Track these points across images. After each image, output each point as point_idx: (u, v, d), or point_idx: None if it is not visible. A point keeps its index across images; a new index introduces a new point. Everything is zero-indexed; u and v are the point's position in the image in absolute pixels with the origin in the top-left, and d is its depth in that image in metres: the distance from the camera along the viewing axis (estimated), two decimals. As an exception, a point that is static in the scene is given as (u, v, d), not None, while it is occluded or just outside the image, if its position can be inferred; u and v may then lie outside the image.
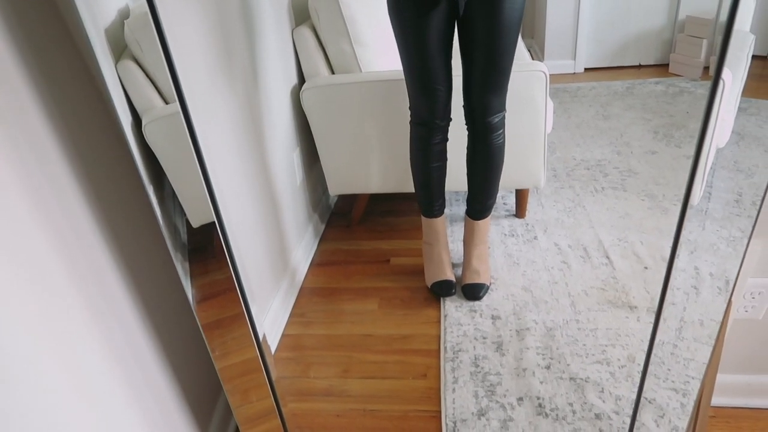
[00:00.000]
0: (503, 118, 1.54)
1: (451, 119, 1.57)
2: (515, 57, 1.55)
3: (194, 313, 1.18)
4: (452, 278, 1.71)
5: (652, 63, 3.69)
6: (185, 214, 1.31)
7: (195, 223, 1.29)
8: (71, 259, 0.85)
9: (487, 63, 1.42)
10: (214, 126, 1.31)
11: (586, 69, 3.72)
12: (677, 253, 1.02)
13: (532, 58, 2.19)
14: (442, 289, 1.69)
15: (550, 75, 1.74)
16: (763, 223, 1.15)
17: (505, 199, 2.23)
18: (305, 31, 1.87)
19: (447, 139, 1.61)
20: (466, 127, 1.58)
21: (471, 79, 1.47)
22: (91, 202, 0.93)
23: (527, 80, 1.75)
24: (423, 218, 1.75)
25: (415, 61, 1.44)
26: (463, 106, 1.54)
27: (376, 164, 1.97)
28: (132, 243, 1.06)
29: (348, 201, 2.37)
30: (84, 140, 0.94)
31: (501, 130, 1.55)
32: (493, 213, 2.07)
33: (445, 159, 1.63)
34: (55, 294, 0.80)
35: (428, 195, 1.67)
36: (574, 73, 3.68)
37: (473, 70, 1.45)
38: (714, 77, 1.02)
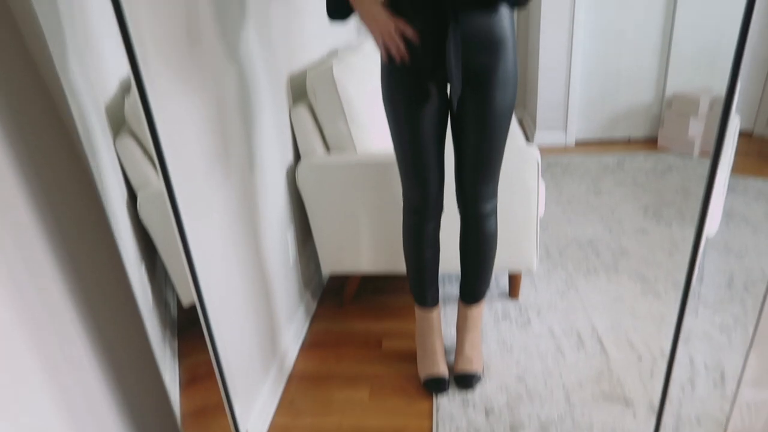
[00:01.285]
0: (495, 205, 1.55)
1: (443, 208, 1.57)
2: (509, 138, 1.57)
3: (171, 401, 1.14)
4: (445, 373, 1.67)
5: (641, 137, 3.77)
6: (176, 292, 1.29)
7: (186, 302, 1.26)
8: (42, 341, 0.82)
9: (479, 153, 1.43)
10: (207, 206, 1.30)
11: (577, 141, 3.79)
12: (674, 368, 1.01)
13: (524, 130, 2.22)
14: (435, 387, 1.65)
15: (542, 147, 1.77)
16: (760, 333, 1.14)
17: (498, 278, 2.22)
18: (302, 111, 1.90)
19: (440, 227, 1.61)
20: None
21: (463, 168, 1.48)
22: (68, 281, 0.91)
23: (520, 164, 1.77)
24: (416, 308, 1.73)
25: (408, 152, 1.46)
26: (456, 193, 1.55)
27: (369, 244, 1.97)
28: (109, 327, 1.03)
29: (341, 278, 2.35)
30: (65, 218, 0.92)
31: (493, 217, 1.56)
32: (486, 294, 2.06)
33: (438, 247, 1.63)
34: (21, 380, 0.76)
35: (421, 283, 1.65)
36: (565, 146, 3.74)
37: (465, 159, 1.47)
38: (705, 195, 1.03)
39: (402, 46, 1.27)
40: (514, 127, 2.17)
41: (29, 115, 0.84)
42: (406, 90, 1.37)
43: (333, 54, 2.42)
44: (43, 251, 0.84)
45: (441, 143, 1.47)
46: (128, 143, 1.10)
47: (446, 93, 1.41)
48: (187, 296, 1.22)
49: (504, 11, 1.31)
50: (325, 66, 1.87)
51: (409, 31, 1.26)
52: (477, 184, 1.48)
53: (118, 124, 1.09)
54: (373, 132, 1.95)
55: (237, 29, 1.48)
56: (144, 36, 1.06)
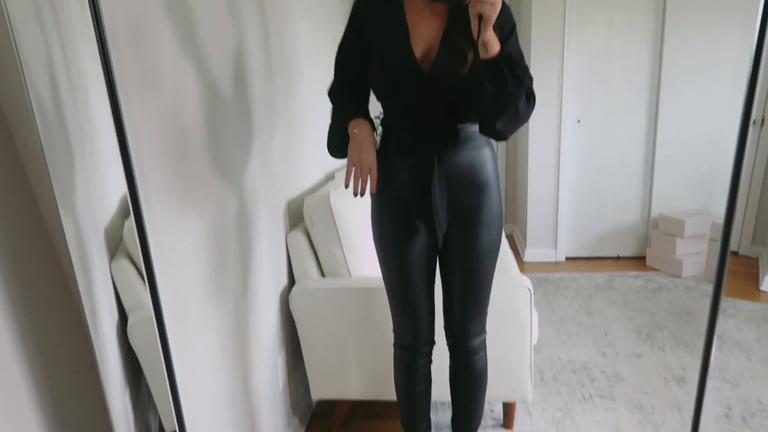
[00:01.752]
0: (483, 340, 1.55)
1: (434, 342, 1.57)
2: (500, 267, 1.59)
3: None
4: None
5: (629, 255, 3.84)
6: (159, 417, 1.25)
7: (168, 429, 1.22)
8: None
9: (466, 290, 1.44)
10: (197, 331, 1.30)
11: (567, 258, 3.85)
12: None
13: (515, 246, 2.26)
14: None
15: (532, 263, 1.79)
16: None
17: (492, 406, 2.17)
18: (299, 236, 1.94)
19: (431, 362, 1.59)
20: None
21: (451, 305, 1.49)
22: (45, 406, 0.88)
23: (512, 293, 1.79)
24: None
25: (397, 286, 1.47)
26: (444, 328, 1.55)
27: (361, 370, 1.94)
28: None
29: (331, 401, 2.29)
30: (48, 342, 0.91)
31: (482, 353, 1.55)
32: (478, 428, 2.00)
33: (430, 381, 1.61)
34: None
35: (413, 418, 1.62)
36: (556, 262, 3.80)
37: (452, 296, 1.48)
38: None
39: (365, 186, 1.28)
40: (506, 255, 2.21)
41: (19, 237, 0.86)
42: (395, 226, 1.41)
43: (330, 177, 2.51)
44: (21, 374, 0.83)
45: (430, 279, 1.49)
46: (124, 265, 1.11)
47: (434, 230, 1.42)
48: (171, 422, 1.19)
49: (487, 153, 1.37)
50: (322, 192, 1.94)
51: (375, 177, 1.29)
52: (465, 322, 1.49)
53: (115, 245, 1.11)
54: (367, 257, 1.99)
55: (240, 156, 1.55)
56: (144, 158, 1.10)
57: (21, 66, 0.80)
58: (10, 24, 0.78)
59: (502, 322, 1.78)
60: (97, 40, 0.82)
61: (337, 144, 1.39)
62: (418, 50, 1.25)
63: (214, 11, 1.40)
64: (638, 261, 3.76)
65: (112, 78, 0.84)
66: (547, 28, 3.50)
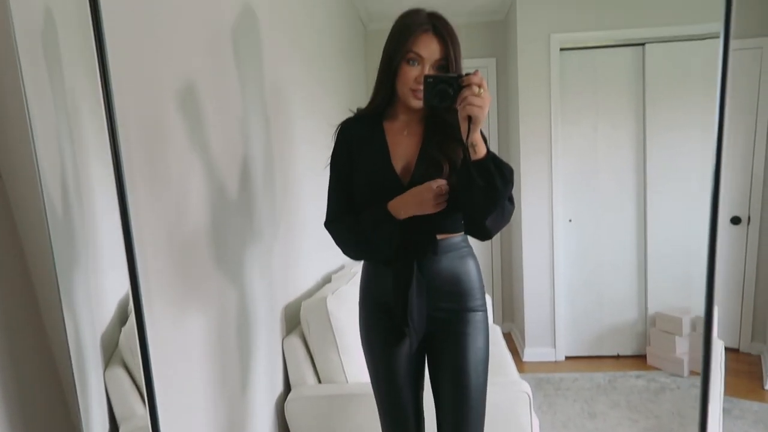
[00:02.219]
0: None
1: None
2: (498, 372, 1.56)
3: None
4: None
5: (629, 354, 3.79)
6: None
7: None
8: None
9: (457, 402, 1.39)
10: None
11: (566, 357, 3.79)
12: None
13: (514, 344, 2.23)
14: None
15: (532, 363, 1.77)
16: None
17: None
18: (295, 341, 1.93)
19: None
20: None
21: (442, 417, 1.44)
22: None
23: (510, 400, 1.76)
24: None
25: (384, 392, 1.46)
26: None
27: (358, 483, 1.86)
28: None
29: None
30: None
31: None
32: None
33: None
34: None
35: None
36: (555, 361, 3.74)
37: (443, 408, 1.42)
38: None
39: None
40: (504, 357, 2.19)
41: (20, 348, 0.87)
42: (381, 332, 1.43)
43: (326, 280, 2.53)
44: None
45: (418, 387, 1.49)
46: (118, 373, 1.10)
47: (421, 337, 1.41)
48: None
49: (470, 263, 1.40)
50: (319, 296, 1.95)
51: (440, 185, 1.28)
52: None
53: (109, 353, 1.11)
54: (364, 362, 1.97)
55: (241, 260, 1.58)
56: (147, 258, 1.12)
57: (38, 167, 0.85)
58: (31, 126, 0.84)
59: (501, 429, 1.74)
60: (109, 140, 0.87)
61: (384, 244, 1.34)
62: (398, 165, 1.34)
63: (224, 118, 1.49)
64: (639, 359, 3.70)
65: (122, 176, 0.88)
66: (534, 131, 3.67)
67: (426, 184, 1.28)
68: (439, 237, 1.36)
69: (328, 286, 2.18)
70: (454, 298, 1.38)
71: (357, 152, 1.39)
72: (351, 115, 1.46)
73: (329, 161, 1.44)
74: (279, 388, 1.88)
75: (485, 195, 1.21)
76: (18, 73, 0.82)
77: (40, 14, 0.89)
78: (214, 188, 1.43)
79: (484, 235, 1.31)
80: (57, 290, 0.93)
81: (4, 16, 0.80)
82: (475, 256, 1.44)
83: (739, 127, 3.56)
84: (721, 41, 0.77)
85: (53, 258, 0.92)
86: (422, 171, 1.31)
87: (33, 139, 0.87)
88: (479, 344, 1.39)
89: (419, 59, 1.27)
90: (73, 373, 0.97)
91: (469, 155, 1.21)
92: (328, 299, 1.90)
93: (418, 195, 1.29)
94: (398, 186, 1.32)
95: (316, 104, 2.52)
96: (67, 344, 0.97)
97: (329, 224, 1.44)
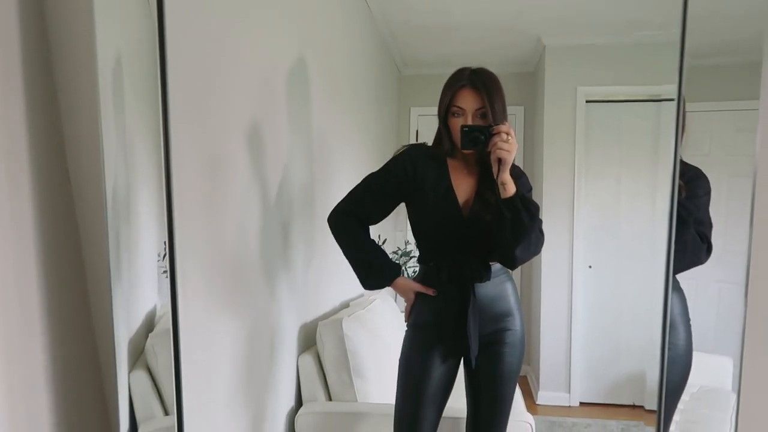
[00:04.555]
0: None
1: None
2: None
3: None
4: None
5: (650, 407, 3.75)
6: None
7: None
8: None
9: (491, 408, 1.61)
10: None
11: (581, 403, 3.78)
12: None
13: (529, 386, 2.29)
14: None
15: (545, 407, 1.86)
16: None
17: None
18: (309, 359, 2.04)
19: None
20: None
21: (476, 420, 1.62)
22: None
23: (513, 428, 1.82)
24: None
25: (410, 408, 1.59)
26: None
27: (361, 500, 1.94)
28: None
29: None
30: None
31: None
32: None
33: None
34: None
35: None
36: (570, 406, 3.73)
37: (479, 414, 1.63)
38: None
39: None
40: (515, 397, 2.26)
41: (69, 346, 1.00)
42: (426, 351, 1.59)
43: (344, 306, 2.65)
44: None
45: (441, 407, 1.63)
46: (141, 376, 1.18)
47: (459, 361, 1.63)
48: None
49: (509, 287, 1.61)
50: (335, 318, 2.07)
51: (429, 291, 1.58)
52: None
53: (135, 357, 1.18)
54: (375, 384, 2.07)
55: (275, 284, 1.73)
56: (188, 276, 1.26)
57: (104, 182, 1.01)
58: (103, 160, 1.00)
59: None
60: (163, 166, 1.02)
61: (375, 278, 1.64)
62: (460, 200, 1.54)
63: (274, 156, 1.69)
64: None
65: (171, 199, 1.03)
66: (558, 182, 3.77)
67: (410, 291, 1.61)
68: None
69: (345, 310, 2.30)
70: (497, 317, 1.57)
71: (421, 179, 1.56)
72: (416, 142, 1.68)
73: (384, 167, 1.63)
74: (291, 402, 1.99)
75: (512, 228, 1.42)
76: (97, 105, 0.99)
77: (114, 52, 1.07)
78: (258, 216, 1.61)
79: (512, 263, 1.52)
80: (109, 293, 1.06)
81: (91, 53, 0.98)
82: (513, 280, 1.64)
83: None
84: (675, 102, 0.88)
85: (108, 264, 1.06)
86: (478, 209, 1.52)
87: (102, 157, 1.02)
88: (516, 357, 1.59)
89: (462, 111, 1.48)
90: (116, 373, 1.10)
91: (500, 193, 1.42)
92: (343, 321, 2.02)
93: (403, 292, 1.63)
94: (459, 218, 1.53)
95: (351, 145, 2.72)
96: (114, 346, 1.09)
97: (336, 214, 1.65)
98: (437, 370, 1.58)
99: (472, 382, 1.63)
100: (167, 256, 1.07)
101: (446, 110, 1.52)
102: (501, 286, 1.59)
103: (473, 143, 1.44)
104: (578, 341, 3.77)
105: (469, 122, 1.48)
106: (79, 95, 1.02)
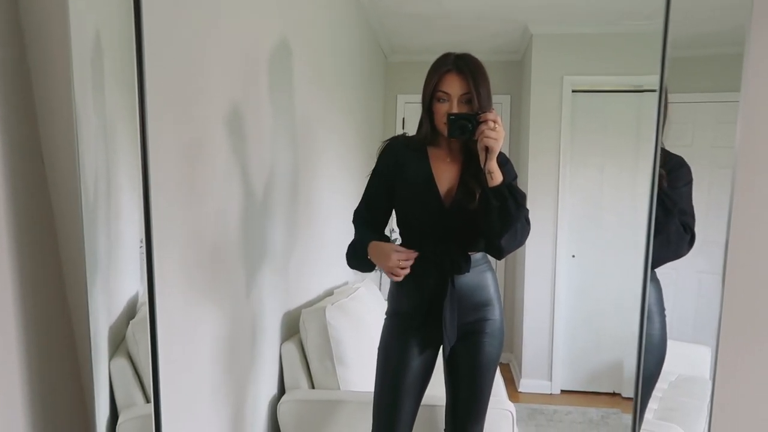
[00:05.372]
0: None
1: None
2: None
3: None
4: None
5: (628, 395, 3.80)
6: None
7: None
8: None
9: (469, 397, 1.61)
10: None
11: (562, 390, 3.82)
12: None
13: (509, 376, 2.31)
14: None
15: (527, 394, 1.88)
16: None
17: None
18: (292, 347, 2.04)
19: None
20: None
21: (455, 408, 1.63)
22: None
23: (494, 416, 1.84)
24: None
25: (388, 399, 1.59)
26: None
27: (342, 486, 1.95)
28: None
29: None
30: None
31: None
32: None
33: None
34: None
35: None
36: (551, 394, 3.78)
37: (457, 402, 1.63)
38: None
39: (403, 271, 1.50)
40: (496, 382, 2.27)
41: (46, 334, 0.98)
42: (404, 341, 1.58)
43: (328, 293, 2.64)
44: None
45: (418, 398, 1.63)
46: (122, 364, 1.18)
47: (437, 350, 1.61)
48: None
49: (489, 276, 1.59)
50: (319, 305, 2.07)
51: (411, 255, 1.51)
52: (467, 423, 1.63)
53: (116, 344, 1.17)
54: (357, 373, 2.07)
55: (256, 270, 1.72)
56: (165, 264, 1.24)
57: (78, 169, 0.99)
58: (77, 133, 0.98)
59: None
60: (140, 151, 1.01)
61: (356, 260, 1.62)
62: (442, 189, 1.52)
63: (256, 141, 1.67)
64: (635, 399, 3.72)
65: (148, 186, 1.01)
66: (543, 171, 3.78)
67: (390, 252, 1.50)
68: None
69: (329, 298, 2.29)
70: (476, 306, 1.56)
71: (402, 170, 1.56)
72: (396, 135, 1.66)
73: (373, 168, 1.62)
74: (273, 390, 1.99)
75: (499, 217, 1.41)
76: (71, 87, 0.96)
77: (91, 35, 1.04)
78: (239, 202, 1.59)
79: (498, 252, 1.51)
80: (85, 281, 1.05)
81: (65, 35, 0.95)
82: (493, 270, 1.63)
83: None
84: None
85: (84, 252, 1.03)
86: (461, 198, 1.50)
87: (77, 143, 1.00)
88: (495, 347, 1.59)
89: (447, 96, 1.46)
90: (91, 360, 1.08)
91: (486, 182, 1.41)
92: (327, 309, 2.02)
93: (382, 256, 1.52)
94: (441, 208, 1.51)
95: (336, 132, 2.69)
96: (89, 334, 1.08)
97: (354, 215, 1.66)
98: (415, 359, 1.58)
99: (450, 371, 1.64)
100: (144, 243, 1.05)
101: (431, 96, 1.49)
102: (481, 275, 1.58)
103: (460, 131, 1.41)
104: (560, 330, 3.80)
105: (455, 108, 1.45)
106: (55, 78, 0.99)
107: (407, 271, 1.50)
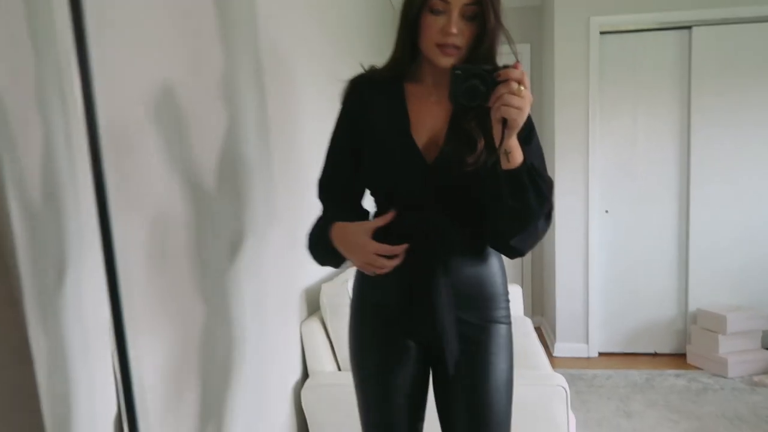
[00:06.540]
0: None
1: None
2: (532, 367, 1.42)
3: None
4: None
5: (668, 352, 3.61)
6: None
7: None
8: None
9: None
10: None
11: (600, 353, 3.63)
12: None
13: (544, 339, 2.11)
14: None
15: (563, 359, 1.66)
16: None
17: None
18: (314, 325, 1.85)
19: None
20: None
21: None
22: None
23: (545, 395, 1.65)
24: None
25: (374, 427, 1.21)
26: None
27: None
28: None
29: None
30: None
31: None
32: None
33: None
34: None
35: None
36: (588, 358, 3.59)
37: None
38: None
39: (384, 264, 1.05)
40: (536, 350, 2.07)
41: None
42: (379, 348, 1.16)
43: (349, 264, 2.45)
44: None
45: (417, 419, 1.21)
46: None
47: (426, 354, 1.16)
48: None
49: (495, 264, 1.16)
50: (340, 279, 1.87)
51: (395, 249, 1.05)
52: None
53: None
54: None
55: (258, 244, 1.50)
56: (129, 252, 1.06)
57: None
58: None
59: (534, 428, 1.62)
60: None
61: (319, 250, 1.18)
62: (421, 139, 1.09)
63: (203, 91, 1.30)
64: (678, 358, 3.52)
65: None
66: (571, 122, 3.52)
67: (364, 240, 1.04)
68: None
69: (350, 270, 2.09)
70: (476, 305, 1.12)
71: (369, 119, 1.13)
72: (363, 71, 1.18)
73: (336, 119, 1.18)
74: (296, 374, 1.81)
75: (514, 214, 1.01)
76: None
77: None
78: (236, 167, 1.36)
79: (508, 252, 1.10)
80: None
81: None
82: (500, 256, 1.17)
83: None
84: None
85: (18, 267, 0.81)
86: (451, 150, 1.06)
87: None
88: (503, 365, 1.14)
89: (445, 6, 1.00)
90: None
91: (501, 164, 0.99)
92: (349, 282, 1.81)
93: (351, 245, 1.07)
94: (420, 165, 1.07)
95: (324, 65, 2.18)
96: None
97: (318, 197, 1.21)
98: (398, 380, 1.15)
99: (446, 400, 1.17)
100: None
101: (420, 5, 1.02)
102: (482, 262, 1.13)
103: (469, 96, 0.96)
104: (595, 289, 3.59)
105: (453, 25, 0.99)
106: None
107: (389, 269, 1.05)
